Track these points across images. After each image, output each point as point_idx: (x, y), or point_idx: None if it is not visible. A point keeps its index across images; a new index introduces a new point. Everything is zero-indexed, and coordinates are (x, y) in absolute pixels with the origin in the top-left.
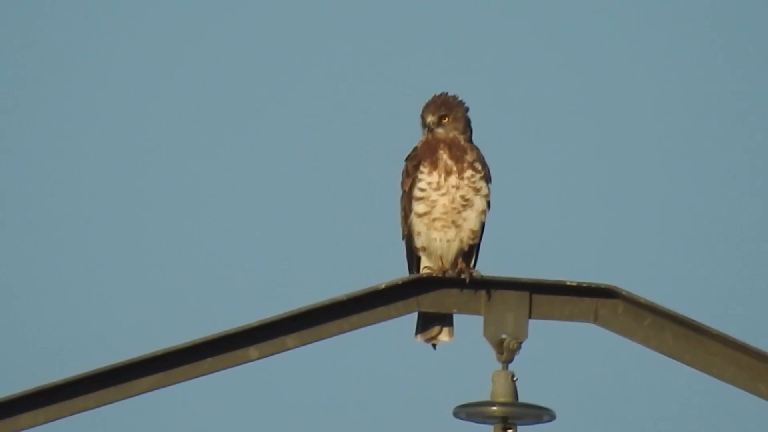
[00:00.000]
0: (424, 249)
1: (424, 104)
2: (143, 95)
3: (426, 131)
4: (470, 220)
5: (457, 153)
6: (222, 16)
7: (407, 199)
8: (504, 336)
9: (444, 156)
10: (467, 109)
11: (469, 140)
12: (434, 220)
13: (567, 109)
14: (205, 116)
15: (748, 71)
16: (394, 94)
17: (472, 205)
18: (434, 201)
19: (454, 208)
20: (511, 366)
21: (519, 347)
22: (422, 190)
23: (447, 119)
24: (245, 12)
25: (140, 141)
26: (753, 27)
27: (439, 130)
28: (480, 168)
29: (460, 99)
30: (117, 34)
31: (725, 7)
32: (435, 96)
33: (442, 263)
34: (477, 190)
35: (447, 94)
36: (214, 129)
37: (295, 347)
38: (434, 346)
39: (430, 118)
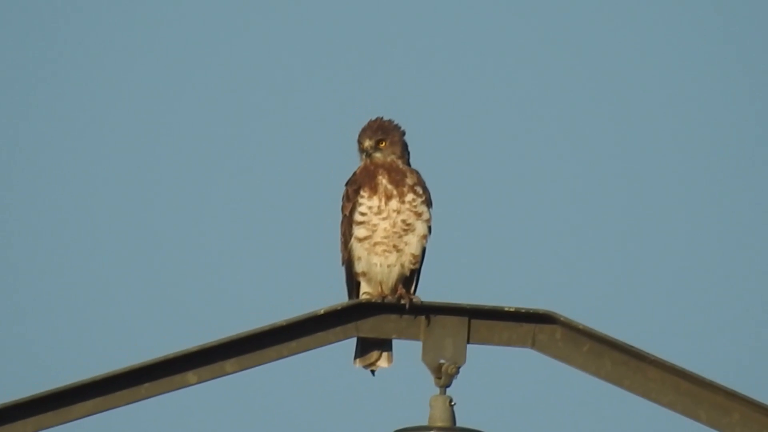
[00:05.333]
0: (364, 274)
1: (360, 129)
2: (137, 99)
3: (363, 156)
4: (411, 244)
5: (397, 177)
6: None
7: (347, 223)
8: (442, 361)
9: (383, 181)
10: (404, 133)
11: (407, 164)
12: (375, 244)
13: (502, 132)
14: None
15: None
16: (331, 116)
17: (413, 230)
18: (375, 225)
19: (396, 233)
20: (449, 391)
21: (457, 372)
22: (363, 214)
23: (384, 143)
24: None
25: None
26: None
27: (377, 155)
28: (421, 192)
29: (396, 123)
30: (117, 35)
31: (726, 8)
32: (371, 120)
33: (382, 289)
34: (418, 215)
35: (382, 118)
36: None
37: (233, 372)
38: (373, 372)
39: (367, 143)
